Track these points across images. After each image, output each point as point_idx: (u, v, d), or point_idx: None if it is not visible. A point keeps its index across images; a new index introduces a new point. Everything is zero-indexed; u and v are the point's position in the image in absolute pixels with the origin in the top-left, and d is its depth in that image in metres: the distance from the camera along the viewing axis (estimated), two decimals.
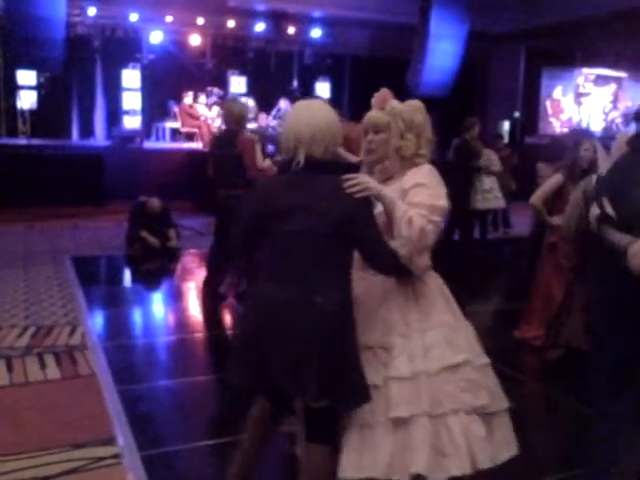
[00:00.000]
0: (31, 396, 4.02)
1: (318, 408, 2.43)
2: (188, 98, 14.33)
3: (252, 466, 2.73)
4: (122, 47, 14.21)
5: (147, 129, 14.54)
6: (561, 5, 13.03)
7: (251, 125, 14.39)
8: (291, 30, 15.04)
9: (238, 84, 15.68)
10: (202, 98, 14.46)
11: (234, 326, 5.76)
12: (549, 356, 4.94)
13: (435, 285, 2.61)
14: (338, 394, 2.39)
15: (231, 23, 14.42)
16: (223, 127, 13.36)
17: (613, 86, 17.93)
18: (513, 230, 10.62)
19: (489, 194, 8.66)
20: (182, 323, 5.97)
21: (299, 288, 2.37)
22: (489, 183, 8.65)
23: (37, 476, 3.09)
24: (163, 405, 4.14)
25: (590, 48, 15.48)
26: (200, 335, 5.66)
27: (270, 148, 13.35)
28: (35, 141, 12.31)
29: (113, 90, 14.52)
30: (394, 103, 2.63)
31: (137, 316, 6.24)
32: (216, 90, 14.63)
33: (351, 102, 15.67)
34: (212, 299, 6.22)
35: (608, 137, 14.79)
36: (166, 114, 14.70)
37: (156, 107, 14.69)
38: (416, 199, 2.44)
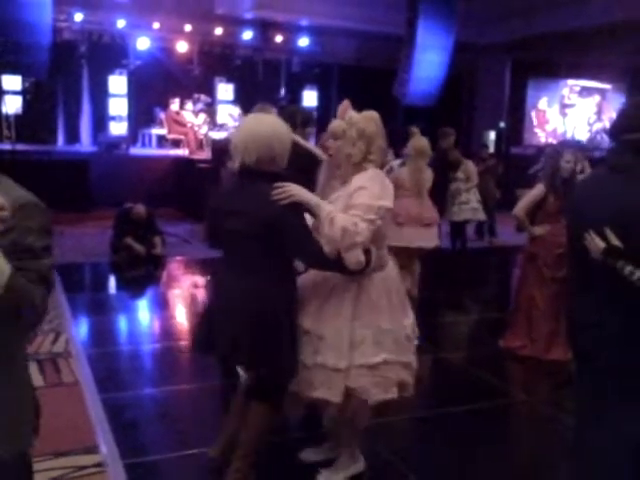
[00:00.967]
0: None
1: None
2: (175, 105, 14.31)
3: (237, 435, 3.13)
4: (109, 53, 14.15)
5: (133, 135, 14.48)
6: (546, 17, 13.17)
7: None
8: (278, 38, 15.07)
9: (225, 91, 15.69)
10: (189, 105, 14.44)
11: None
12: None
13: (382, 285, 2.90)
14: (266, 366, 2.88)
15: (218, 30, 14.42)
16: (209, 134, 13.49)
17: (597, 97, 18.12)
18: (498, 239, 10.68)
19: (466, 205, 8.67)
20: (167, 331, 5.95)
21: (243, 276, 2.83)
22: (465, 195, 8.66)
23: None
24: (147, 413, 4.12)
25: (575, 60, 15.64)
26: (185, 343, 5.63)
27: None
28: (20, 146, 12.20)
29: (99, 96, 14.45)
30: (352, 114, 2.93)
31: (122, 324, 6.20)
32: (203, 97, 14.62)
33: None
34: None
35: (592, 148, 14.92)
36: (152, 121, 14.65)
37: (142, 113, 14.64)
38: (356, 201, 2.76)
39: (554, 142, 13.24)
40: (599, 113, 18.13)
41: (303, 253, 2.85)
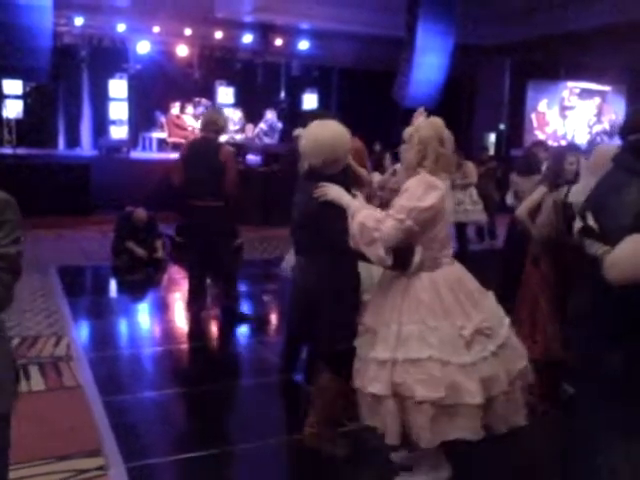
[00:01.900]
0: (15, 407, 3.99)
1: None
2: (175, 109, 14.33)
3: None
4: (109, 57, 14.19)
5: (134, 139, 14.50)
6: (546, 19, 13.18)
7: (238, 136, 14.46)
8: (279, 42, 15.08)
9: (225, 95, 15.71)
10: (189, 109, 14.47)
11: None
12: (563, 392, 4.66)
13: (430, 284, 2.92)
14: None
15: (219, 34, 14.45)
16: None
17: (597, 100, 18.11)
18: (498, 241, 10.67)
19: (458, 206, 8.58)
20: (168, 334, 5.95)
21: (305, 260, 3.31)
22: (461, 196, 8.59)
23: None
24: (149, 416, 4.12)
25: (575, 62, 15.65)
26: (186, 346, 5.64)
27: (257, 159, 13.40)
28: (21, 151, 12.23)
29: (100, 100, 14.49)
30: (421, 119, 3.04)
31: (123, 327, 6.21)
32: (204, 101, 14.65)
33: (338, 114, 15.71)
34: (194, 321, 6.04)
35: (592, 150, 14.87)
36: (153, 124, 14.68)
37: (143, 117, 14.67)
38: (397, 200, 2.89)
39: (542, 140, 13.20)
40: (599, 115, 18.12)
41: (336, 244, 3.05)
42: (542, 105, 17.40)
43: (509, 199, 6.70)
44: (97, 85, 14.40)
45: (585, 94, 17.90)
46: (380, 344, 2.92)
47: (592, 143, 17.24)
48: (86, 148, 14.24)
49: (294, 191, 3.40)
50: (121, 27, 13.70)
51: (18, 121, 13.30)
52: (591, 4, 12.19)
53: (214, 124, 5.79)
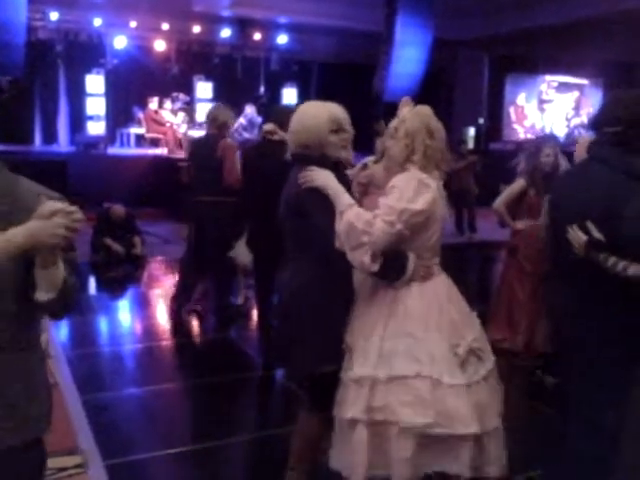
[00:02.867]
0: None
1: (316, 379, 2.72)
2: (153, 104, 14.20)
3: None
4: (85, 52, 14.04)
5: (111, 135, 14.37)
6: (523, 13, 13.24)
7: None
8: (257, 36, 15.01)
9: (204, 90, 15.60)
10: (167, 104, 14.35)
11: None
12: (546, 382, 4.66)
13: (420, 296, 2.57)
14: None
15: (196, 28, 14.34)
16: (189, 133, 13.40)
17: (575, 93, 18.25)
18: (478, 235, 10.73)
19: None
20: (148, 331, 5.91)
21: (287, 263, 2.82)
22: None
23: None
24: (129, 413, 4.09)
25: (552, 56, 15.75)
26: (166, 343, 5.60)
27: (237, 154, 13.33)
28: None
29: (76, 95, 14.33)
30: (405, 110, 2.72)
31: (102, 324, 6.15)
32: (182, 96, 14.52)
33: None
34: (178, 316, 6.00)
35: (570, 143, 15.05)
36: (131, 120, 14.55)
37: (120, 113, 14.54)
38: (384, 200, 2.53)
39: (532, 137, 13.32)
40: (577, 108, 18.28)
41: (318, 240, 2.62)
42: (520, 99, 17.50)
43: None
44: (74, 80, 14.24)
45: (563, 87, 18.04)
46: (358, 359, 2.53)
47: (570, 136, 17.40)
48: (63, 144, 14.09)
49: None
50: (97, 22, 13.55)
51: None
52: None
53: (214, 120, 5.80)
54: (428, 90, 13.58)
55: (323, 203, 2.56)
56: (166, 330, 5.91)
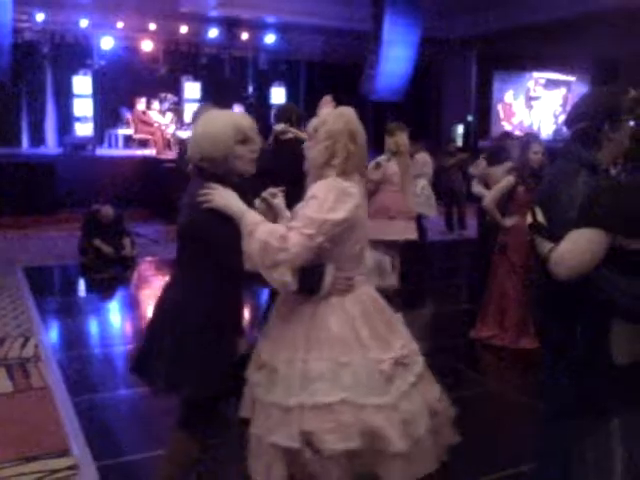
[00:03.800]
0: None
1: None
2: (141, 104, 14.16)
3: None
4: (72, 53, 13.97)
5: (99, 136, 14.30)
6: (510, 11, 13.30)
7: None
8: (245, 36, 14.99)
9: (192, 90, 15.56)
10: (155, 104, 14.31)
11: None
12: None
13: (341, 310, 2.42)
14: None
15: (184, 29, 14.31)
16: (177, 134, 13.37)
17: (563, 90, 18.33)
18: (468, 232, 10.76)
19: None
20: (138, 332, 5.88)
21: (174, 285, 2.66)
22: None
23: None
24: (120, 415, 4.09)
25: (539, 52, 15.81)
26: None
27: None
28: None
29: (64, 97, 14.26)
30: (326, 111, 2.64)
31: (92, 326, 6.13)
32: (170, 96, 14.50)
33: (306, 107, 15.60)
34: None
35: (558, 140, 15.09)
36: (119, 121, 14.49)
37: (108, 114, 14.47)
38: (302, 211, 2.36)
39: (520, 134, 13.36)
40: (565, 105, 18.35)
41: (225, 263, 2.45)
42: (508, 96, 17.57)
43: (475, 188, 6.72)
44: (61, 82, 14.17)
45: (550, 84, 18.12)
46: (282, 386, 2.37)
47: (558, 133, 17.49)
48: (51, 146, 14.02)
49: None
50: (84, 23, 13.49)
51: None
52: None
53: None
54: (416, 89, 13.63)
55: (223, 225, 2.37)
56: None
